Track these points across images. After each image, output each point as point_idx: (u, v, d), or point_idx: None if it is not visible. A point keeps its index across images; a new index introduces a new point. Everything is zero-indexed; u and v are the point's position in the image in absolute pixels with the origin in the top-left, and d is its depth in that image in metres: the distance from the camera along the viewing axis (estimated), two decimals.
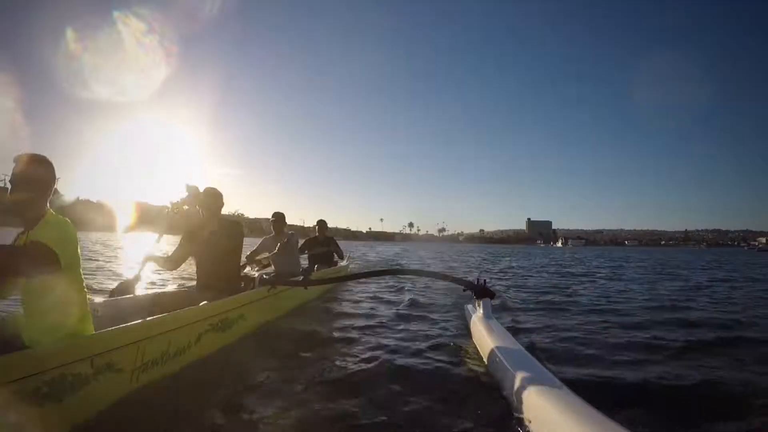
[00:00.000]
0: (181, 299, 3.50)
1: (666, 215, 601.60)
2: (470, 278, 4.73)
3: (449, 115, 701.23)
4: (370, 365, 3.54)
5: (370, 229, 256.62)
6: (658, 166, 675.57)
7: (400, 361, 3.66)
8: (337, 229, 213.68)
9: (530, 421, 2.24)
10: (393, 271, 5.72)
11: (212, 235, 3.79)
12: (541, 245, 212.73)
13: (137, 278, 3.76)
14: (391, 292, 8.35)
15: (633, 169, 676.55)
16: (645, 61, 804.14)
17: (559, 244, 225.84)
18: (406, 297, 7.42)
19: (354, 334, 4.62)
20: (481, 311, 4.22)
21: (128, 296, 3.52)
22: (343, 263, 9.18)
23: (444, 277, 4.94)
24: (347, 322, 5.28)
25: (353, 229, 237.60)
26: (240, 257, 4.19)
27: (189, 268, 5.50)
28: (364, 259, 21.26)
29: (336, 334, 4.61)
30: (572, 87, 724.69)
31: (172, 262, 3.85)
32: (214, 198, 3.91)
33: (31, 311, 2.13)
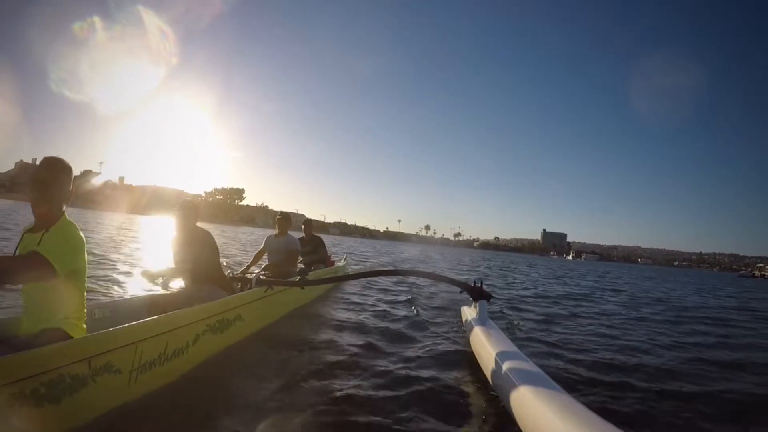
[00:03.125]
0: (178, 300, 3.56)
1: (683, 236, 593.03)
2: (467, 280, 4.72)
3: (469, 120, 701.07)
4: (365, 366, 3.61)
5: (387, 228, 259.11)
6: (678, 185, 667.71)
7: (397, 363, 3.75)
8: (355, 227, 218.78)
9: (526, 423, 2.25)
10: (390, 271, 5.74)
11: (186, 241, 3.87)
12: (555, 257, 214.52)
13: (160, 274, 3.82)
14: (388, 292, 8.61)
15: (652, 187, 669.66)
16: (666, 79, 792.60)
17: (570, 257, 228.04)
18: (403, 298, 7.78)
19: (350, 335, 4.69)
20: (478, 313, 4.19)
21: (125, 298, 3.54)
22: (341, 263, 9.16)
23: (441, 278, 4.86)
24: (344, 322, 5.37)
25: (371, 227, 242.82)
26: (216, 254, 4.15)
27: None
28: (383, 261, 21.94)
29: (333, 335, 4.68)
30: (590, 104, 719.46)
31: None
32: (189, 209, 3.92)
33: (30, 313, 2.19)
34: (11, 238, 12.77)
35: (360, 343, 4.44)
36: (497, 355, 3.12)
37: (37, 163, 2.25)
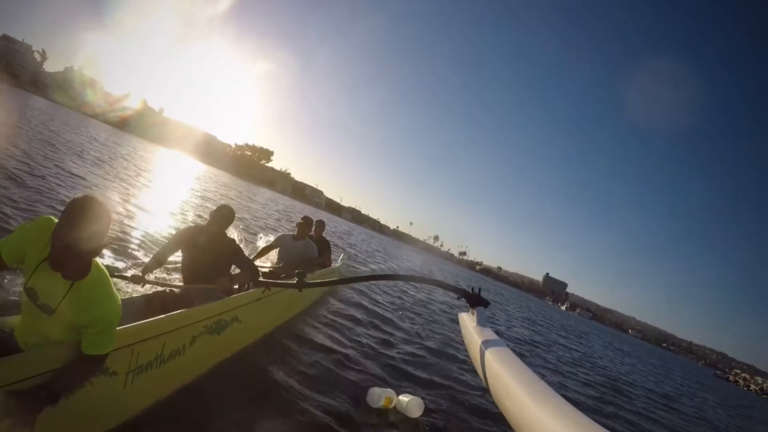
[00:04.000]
0: (174, 300, 3.50)
1: (680, 320, 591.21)
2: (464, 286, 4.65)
3: (496, 146, 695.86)
4: (362, 372, 3.65)
5: (397, 227, 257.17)
6: (687, 268, 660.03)
7: (396, 368, 3.80)
8: (368, 217, 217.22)
9: (523, 429, 2.21)
10: (388, 276, 5.48)
11: (208, 245, 3.71)
12: (549, 303, 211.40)
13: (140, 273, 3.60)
14: (386, 296, 8.66)
15: (662, 261, 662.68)
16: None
17: (563, 308, 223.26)
18: (402, 303, 7.98)
19: (346, 340, 4.70)
20: (475, 319, 3.93)
21: (121, 298, 3.22)
22: (338, 264, 9.07)
23: (438, 283, 4.52)
24: (341, 326, 5.35)
25: (383, 221, 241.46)
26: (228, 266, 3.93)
27: None
28: (389, 266, 21.65)
29: (330, 338, 4.69)
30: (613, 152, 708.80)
31: (160, 262, 3.94)
32: (225, 216, 3.80)
33: (29, 321, 2.03)
34: (54, 139, 14.77)
35: (359, 347, 4.60)
36: (494, 361, 3.05)
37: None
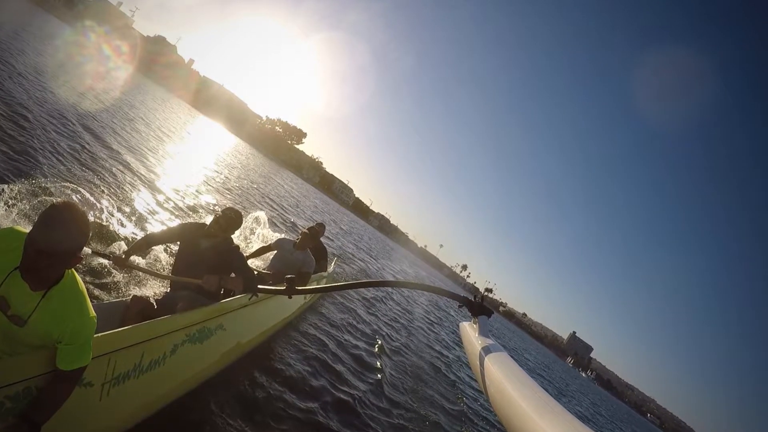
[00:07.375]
0: (155, 307, 3.41)
1: (706, 416, 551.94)
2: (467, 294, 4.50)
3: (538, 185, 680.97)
4: (359, 381, 3.65)
5: (425, 246, 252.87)
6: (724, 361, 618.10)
7: (394, 379, 3.78)
8: (396, 229, 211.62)
9: None
10: (383, 282, 5.74)
11: (210, 250, 3.69)
12: (570, 364, 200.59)
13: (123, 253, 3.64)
14: (382, 303, 8.67)
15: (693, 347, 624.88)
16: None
17: (584, 374, 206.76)
18: (399, 310, 7.90)
19: (339, 351, 4.61)
20: (478, 329, 4.01)
21: (96, 303, 3.12)
22: (330, 270, 8.64)
23: (436, 290, 4.62)
24: (333, 333, 5.24)
25: (411, 237, 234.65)
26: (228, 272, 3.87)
27: None
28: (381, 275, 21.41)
29: (321, 349, 4.59)
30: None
31: (149, 245, 4.08)
32: (231, 220, 3.79)
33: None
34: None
35: (352, 360, 4.54)
36: (498, 373, 3.03)
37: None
